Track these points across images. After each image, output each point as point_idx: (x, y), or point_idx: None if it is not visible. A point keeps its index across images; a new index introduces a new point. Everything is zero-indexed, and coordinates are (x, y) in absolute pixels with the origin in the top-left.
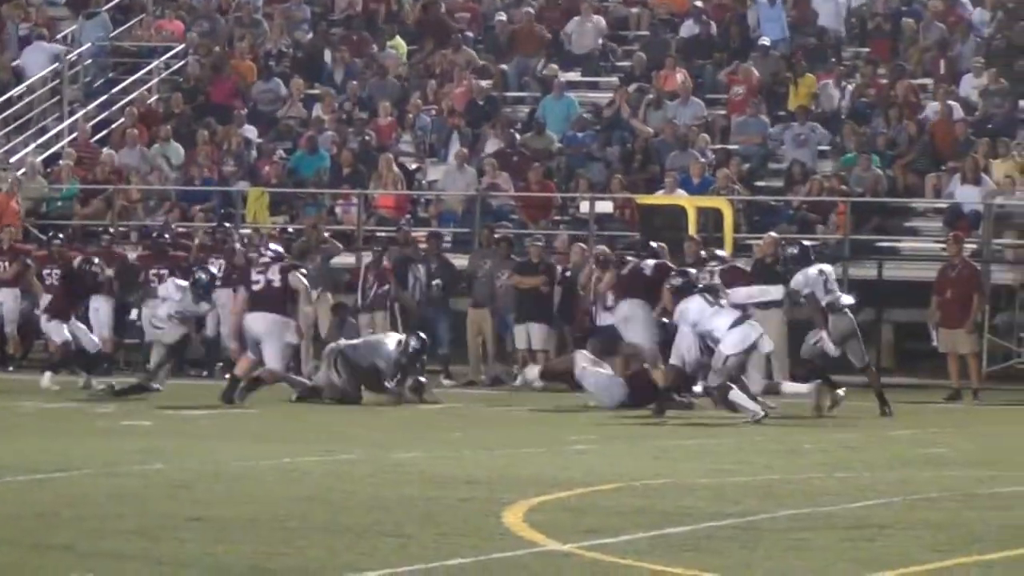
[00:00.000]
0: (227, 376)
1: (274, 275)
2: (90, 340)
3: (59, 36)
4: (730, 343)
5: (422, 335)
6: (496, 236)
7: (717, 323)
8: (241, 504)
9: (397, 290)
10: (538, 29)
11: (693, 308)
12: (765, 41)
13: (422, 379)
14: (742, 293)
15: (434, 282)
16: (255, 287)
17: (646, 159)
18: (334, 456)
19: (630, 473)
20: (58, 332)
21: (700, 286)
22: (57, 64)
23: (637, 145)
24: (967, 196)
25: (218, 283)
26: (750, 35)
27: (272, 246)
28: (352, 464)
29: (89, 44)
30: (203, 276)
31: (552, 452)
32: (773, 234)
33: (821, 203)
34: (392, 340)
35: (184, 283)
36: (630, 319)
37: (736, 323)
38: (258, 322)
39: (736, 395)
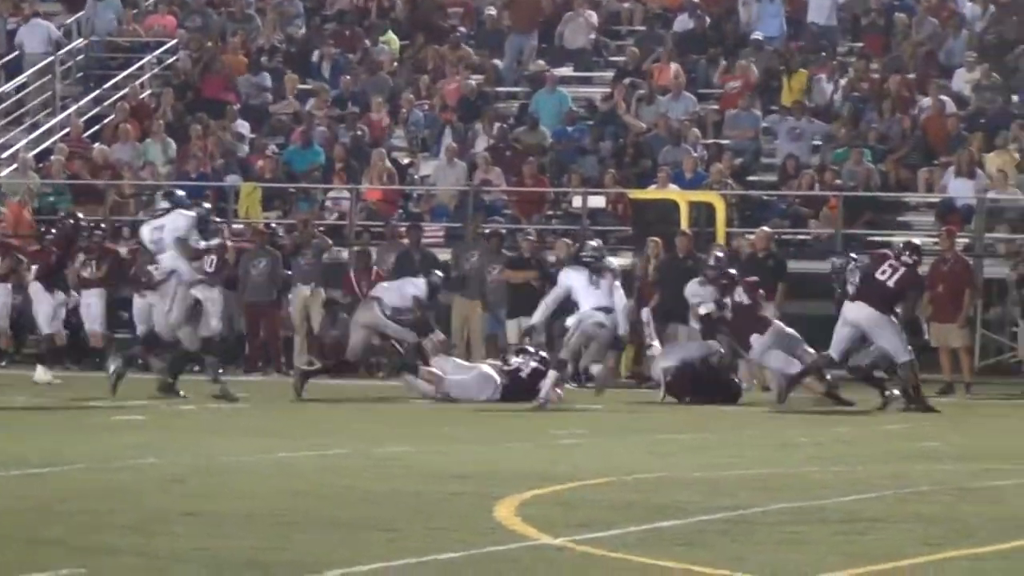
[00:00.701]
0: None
1: None
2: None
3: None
4: None
5: (440, 273)
6: (486, 231)
7: None
8: (235, 499)
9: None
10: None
11: None
12: (759, 36)
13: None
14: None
15: (435, 273)
16: None
17: (638, 154)
18: (327, 451)
19: (622, 467)
20: (43, 299)
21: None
22: (49, 56)
23: (629, 140)
24: (960, 190)
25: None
26: (743, 30)
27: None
28: (345, 459)
29: (87, 39)
30: (205, 209)
31: (542, 446)
32: (766, 229)
33: (813, 198)
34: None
35: (190, 213)
36: None
37: None
38: None
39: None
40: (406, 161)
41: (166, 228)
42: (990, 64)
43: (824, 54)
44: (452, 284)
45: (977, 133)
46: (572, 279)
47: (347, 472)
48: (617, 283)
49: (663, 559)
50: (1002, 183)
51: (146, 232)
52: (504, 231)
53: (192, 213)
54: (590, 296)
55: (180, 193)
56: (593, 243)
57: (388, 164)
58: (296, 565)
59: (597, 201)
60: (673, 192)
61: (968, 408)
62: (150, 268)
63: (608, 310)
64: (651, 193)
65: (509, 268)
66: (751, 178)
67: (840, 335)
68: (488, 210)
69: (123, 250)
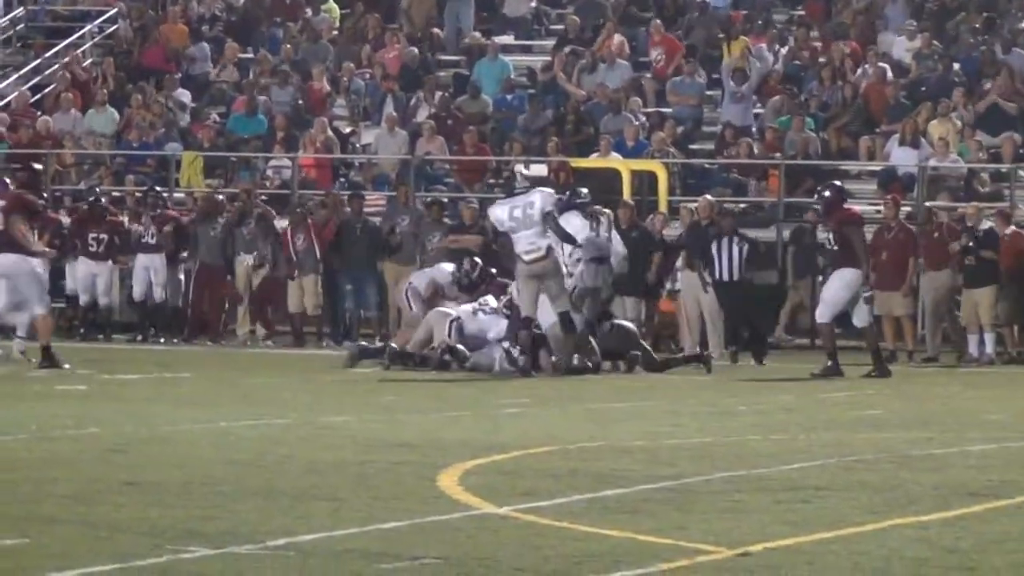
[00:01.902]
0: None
1: None
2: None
3: None
4: None
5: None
6: (428, 199)
7: None
8: (175, 468)
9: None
10: None
11: None
12: None
13: None
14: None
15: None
16: None
17: (579, 122)
18: (267, 421)
19: (564, 436)
20: None
21: None
22: None
23: (569, 108)
24: (904, 159)
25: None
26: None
27: None
28: (285, 429)
29: (27, 8)
30: None
31: (484, 416)
32: (708, 197)
33: (755, 166)
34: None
35: None
36: None
37: None
38: None
39: None
40: (348, 130)
41: None
42: (930, 32)
43: (760, 23)
44: (385, 249)
45: (926, 103)
46: (572, 225)
47: (289, 442)
48: (613, 229)
49: (607, 528)
50: (943, 151)
51: None
52: (446, 200)
53: None
54: (588, 244)
55: None
56: (583, 189)
57: (330, 133)
58: (238, 535)
59: (539, 170)
60: (615, 160)
61: (911, 376)
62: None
63: (602, 260)
64: (593, 162)
65: (453, 234)
66: (693, 146)
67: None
68: (430, 179)
69: (65, 220)
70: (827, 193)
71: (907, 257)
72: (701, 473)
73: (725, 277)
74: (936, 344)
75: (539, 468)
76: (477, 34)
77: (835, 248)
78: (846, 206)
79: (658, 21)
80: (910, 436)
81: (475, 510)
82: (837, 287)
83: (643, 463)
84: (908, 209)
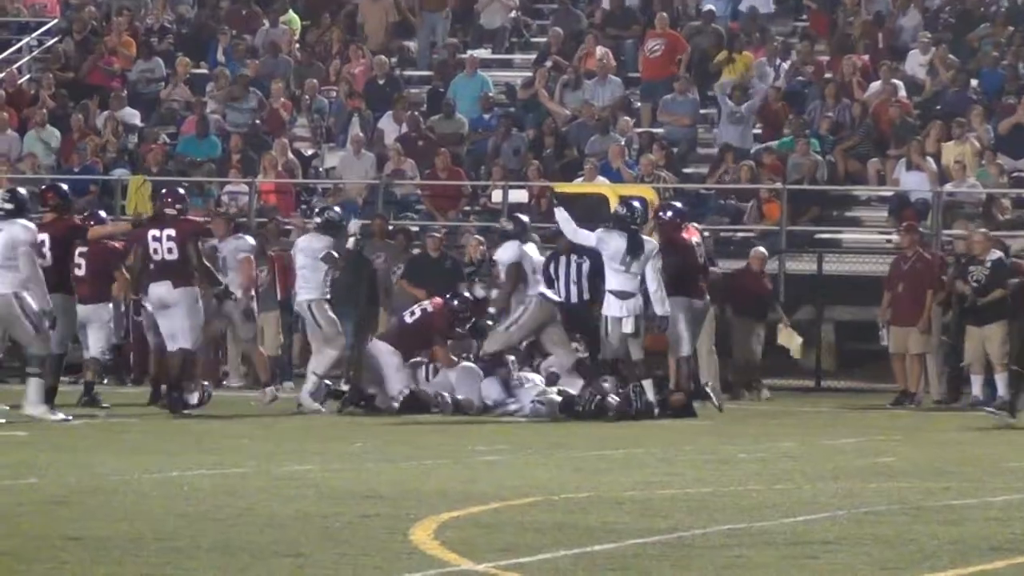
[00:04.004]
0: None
1: None
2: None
3: None
4: None
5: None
6: (390, 227)
7: None
8: (124, 521)
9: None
10: None
11: None
12: (711, 6)
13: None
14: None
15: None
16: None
17: (560, 144)
18: (224, 469)
19: (547, 486)
20: None
21: None
22: None
23: (547, 128)
24: (914, 183)
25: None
26: (678, 8)
27: None
28: (243, 478)
29: None
30: None
31: (460, 464)
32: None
33: (754, 191)
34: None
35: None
36: None
37: None
38: None
39: None
40: (310, 152)
41: None
42: (948, 44)
43: (757, 35)
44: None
45: (935, 122)
46: (612, 245)
47: (246, 492)
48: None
49: None
50: (960, 175)
51: None
52: (415, 229)
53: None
54: (618, 275)
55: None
56: (636, 203)
57: (291, 155)
58: None
59: (519, 195)
60: (602, 185)
61: (926, 420)
62: None
63: (629, 294)
64: (578, 187)
65: (407, 278)
66: (687, 169)
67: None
68: (399, 205)
69: None
70: (667, 214)
71: (925, 290)
72: (698, 526)
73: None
74: (943, 386)
75: (521, 521)
76: (454, 40)
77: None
78: (683, 230)
79: (664, 14)
80: (925, 486)
81: (452, 567)
82: (674, 319)
83: (635, 515)
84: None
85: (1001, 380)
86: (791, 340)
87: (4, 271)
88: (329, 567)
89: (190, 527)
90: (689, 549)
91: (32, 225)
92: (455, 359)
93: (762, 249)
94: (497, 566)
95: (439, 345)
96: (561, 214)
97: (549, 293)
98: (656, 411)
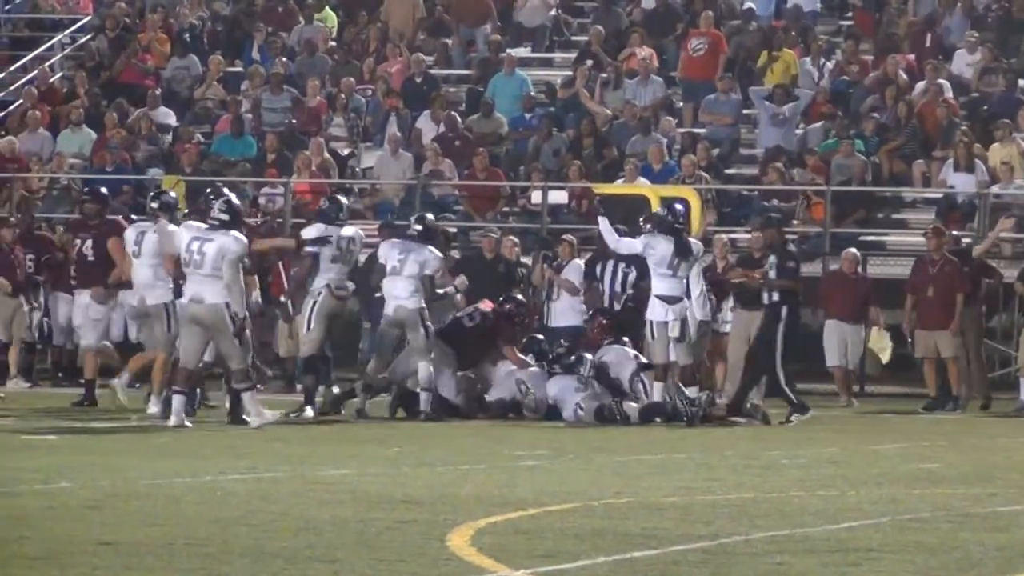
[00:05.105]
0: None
1: None
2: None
3: None
4: None
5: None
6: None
7: None
8: (156, 527)
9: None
10: None
11: None
12: (752, 5)
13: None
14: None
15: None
16: None
17: (599, 144)
18: (258, 474)
19: (587, 491)
20: None
21: None
22: None
23: (585, 128)
24: (961, 184)
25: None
26: (720, 6)
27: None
28: (278, 483)
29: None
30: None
31: (499, 469)
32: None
33: (797, 193)
34: None
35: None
36: None
37: None
38: None
39: None
40: (346, 152)
41: None
42: (994, 44)
43: (794, 34)
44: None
45: (980, 123)
46: (659, 249)
47: (281, 497)
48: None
49: None
50: (1007, 176)
51: None
52: (454, 229)
53: None
54: (665, 279)
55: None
56: (678, 205)
57: (326, 155)
58: None
59: (559, 197)
60: (643, 187)
61: (968, 425)
62: None
63: (676, 299)
64: (619, 188)
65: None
66: (729, 171)
67: None
68: (437, 206)
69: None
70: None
71: (955, 292)
72: (739, 533)
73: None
74: (984, 388)
75: (560, 527)
76: (496, 37)
77: None
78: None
79: (709, 12)
80: (971, 492)
81: (489, 573)
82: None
83: (675, 521)
84: (968, 241)
85: None
86: (880, 343)
87: (214, 280)
88: (365, 573)
89: (223, 532)
90: (730, 556)
91: (243, 238)
92: (525, 360)
93: (854, 250)
94: (535, 573)
95: (508, 346)
96: (604, 224)
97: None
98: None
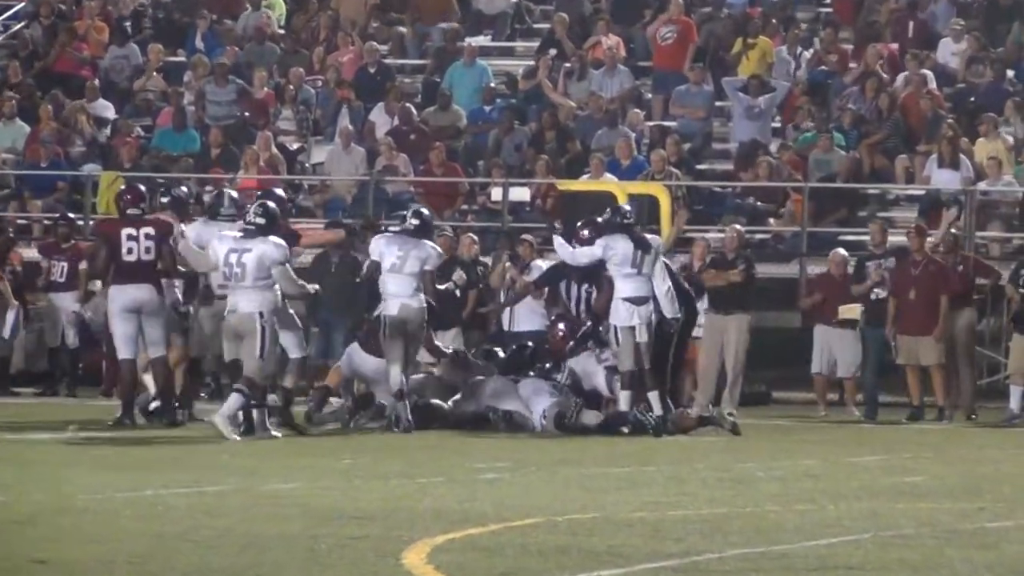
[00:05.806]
0: None
1: None
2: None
3: None
4: None
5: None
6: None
7: None
8: (94, 543)
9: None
10: None
11: None
12: None
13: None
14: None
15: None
16: None
17: (563, 138)
18: (201, 488)
19: (551, 506)
20: None
21: None
22: None
23: (547, 121)
24: (945, 181)
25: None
26: None
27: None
28: (223, 497)
29: None
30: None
31: (458, 482)
32: (737, 227)
33: (774, 190)
34: None
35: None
36: None
37: None
38: None
39: None
40: (295, 146)
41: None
42: (980, 33)
43: (775, 21)
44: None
45: (964, 117)
46: (619, 249)
47: (226, 512)
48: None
49: None
50: (994, 173)
51: None
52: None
53: None
54: (629, 279)
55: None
56: (627, 206)
57: (274, 150)
58: None
59: (521, 194)
60: (610, 183)
61: (954, 436)
62: None
63: (643, 299)
64: (584, 185)
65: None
66: (701, 167)
67: None
68: (392, 203)
69: None
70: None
71: (938, 295)
72: (712, 550)
73: None
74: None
75: (522, 543)
76: (454, 25)
77: None
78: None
79: (680, 0)
80: (957, 507)
81: None
82: None
83: (644, 538)
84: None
85: None
86: (852, 313)
87: (255, 291)
88: None
89: (165, 549)
90: (702, 575)
91: (283, 242)
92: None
93: (843, 251)
94: None
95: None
96: (557, 241)
97: None
98: (660, 428)
